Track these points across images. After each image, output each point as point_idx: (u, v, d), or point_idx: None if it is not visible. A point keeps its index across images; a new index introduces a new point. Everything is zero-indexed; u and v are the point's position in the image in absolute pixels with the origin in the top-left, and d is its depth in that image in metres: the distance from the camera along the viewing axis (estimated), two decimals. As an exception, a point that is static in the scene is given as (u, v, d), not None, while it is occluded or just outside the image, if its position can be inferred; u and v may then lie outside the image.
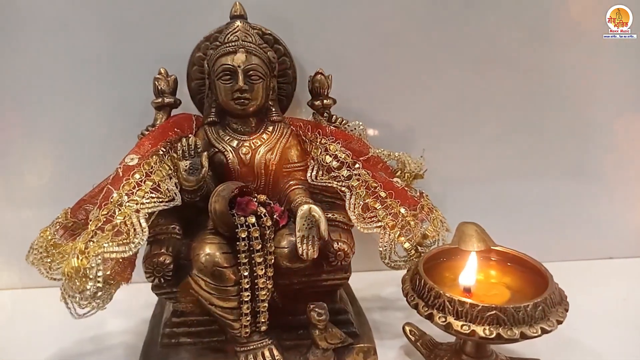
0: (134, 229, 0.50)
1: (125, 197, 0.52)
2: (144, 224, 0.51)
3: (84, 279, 0.46)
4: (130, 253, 0.49)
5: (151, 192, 0.52)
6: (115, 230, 0.50)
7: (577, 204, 0.85)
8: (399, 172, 0.68)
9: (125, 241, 0.49)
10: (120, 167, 0.54)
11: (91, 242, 0.49)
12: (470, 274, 0.55)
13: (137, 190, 0.53)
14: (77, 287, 0.45)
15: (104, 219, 0.50)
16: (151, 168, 0.54)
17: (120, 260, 0.53)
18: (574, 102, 0.78)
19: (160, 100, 0.63)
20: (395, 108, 0.76)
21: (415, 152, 0.71)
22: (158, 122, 0.63)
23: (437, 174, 0.72)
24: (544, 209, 0.85)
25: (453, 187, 0.81)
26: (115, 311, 0.58)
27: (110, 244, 0.48)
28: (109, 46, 0.71)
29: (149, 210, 0.52)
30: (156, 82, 0.64)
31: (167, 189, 0.54)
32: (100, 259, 0.47)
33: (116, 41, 0.71)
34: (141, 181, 0.53)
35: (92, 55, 0.71)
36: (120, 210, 0.51)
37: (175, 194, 0.55)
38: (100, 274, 0.47)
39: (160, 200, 0.53)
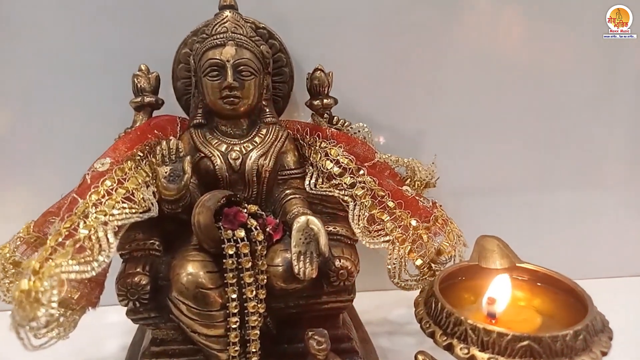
0: (99, 245, 0.43)
1: (92, 208, 0.45)
2: (111, 239, 0.44)
3: (35, 304, 0.39)
4: (93, 273, 0.42)
5: (123, 202, 0.47)
6: (78, 246, 0.43)
7: (603, 216, 0.80)
8: (409, 180, 0.64)
9: (88, 259, 0.42)
10: (88, 174, 0.49)
11: (49, 261, 0.41)
12: (501, 298, 0.48)
13: (107, 200, 0.47)
14: (26, 314, 0.38)
15: (66, 233, 0.44)
16: (125, 174, 0.49)
17: (87, 281, 0.46)
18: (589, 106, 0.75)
19: (139, 99, 0.59)
20: (403, 110, 0.73)
21: (425, 158, 0.67)
22: (137, 125, 0.58)
23: (449, 183, 0.69)
24: (567, 222, 0.80)
25: (467, 197, 0.77)
26: (90, 337, 0.52)
27: (70, 262, 0.41)
28: (85, 43, 0.67)
29: (119, 223, 0.46)
30: (135, 80, 0.59)
31: (143, 198, 0.49)
32: (56, 281, 0.40)
33: (94, 37, 0.67)
34: (112, 189, 0.48)
35: (68, 52, 0.67)
36: (85, 222, 0.44)
37: (152, 204, 0.49)
38: (54, 298, 0.39)
39: (134, 211, 0.47)
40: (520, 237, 0.56)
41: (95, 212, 0.46)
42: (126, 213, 0.47)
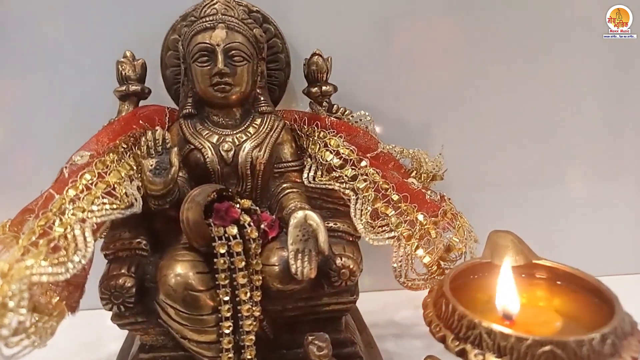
0: (75, 244, 0.40)
1: (69, 204, 0.42)
2: (89, 238, 0.41)
3: (1, 310, 0.35)
4: (67, 275, 0.39)
5: (103, 197, 0.44)
6: (52, 245, 0.39)
7: (622, 208, 0.77)
8: (414, 172, 0.61)
9: (62, 260, 0.38)
10: (66, 167, 0.46)
11: (21, 262, 0.38)
12: (512, 296, 0.44)
13: (86, 195, 0.44)
14: (-6, 320, 0.35)
15: (40, 232, 0.40)
16: (106, 167, 0.46)
17: (65, 284, 0.42)
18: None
19: (124, 88, 0.56)
20: (408, 99, 0.70)
21: (432, 149, 0.64)
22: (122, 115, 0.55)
23: (457, 175, 0.66)
24: (584, 215, 0.77)
25: (476, 190, 0.74)
26: (77, 343, 0.50)
27: (43, 263, 0.38)
28: (66, 27, 0.64)
29: (99, 220, 0.43)
30: (120, 67, 0.56)
31: (125, 193, 0.46)
32: (25, 284, 0.36)
33: (77, 24, 0.64)
34: (92, 184, 0.45)
35: (46, 38, 0.64)
36: (61, 220, 0.41)
37: (135, 200, 0.46)
38: (24, 303, 0.36)
39: (115, 207, 0.44)
40: (534, 232, 0.54)
41: (72, 209, 0.42)
42: (106, 209, 0.44)
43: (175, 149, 0.48)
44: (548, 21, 0.68)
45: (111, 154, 0.48)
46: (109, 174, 0.46)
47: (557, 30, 0.69)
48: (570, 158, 0.75)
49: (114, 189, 0.45)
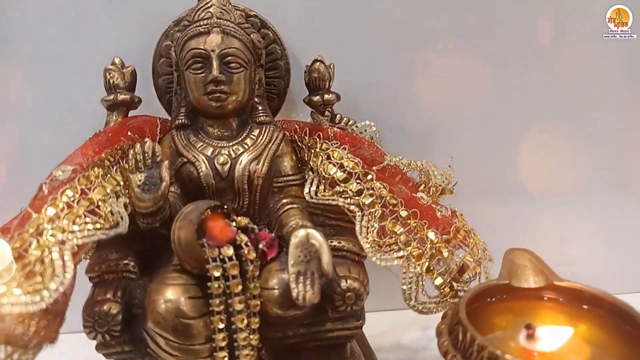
0: (53, 269, 0.36)
1: (48, 224, 0.39)
2: (68, 262, 0.38)
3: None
4: (42, 305, 0.35)
5: (86, 216, 0.41)
6: (28, 270, 0.35)
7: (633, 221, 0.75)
8: (423, 185, 0.59)
9: (37, 287, 0.35)
10: (46, 183, 0.43)
11: (-8, 290, 0.34)
12: (549, 334, 0.41)
13: (67, 214, 0.40)
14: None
15: (15, 255, 0.37)
16: (90, 183, 0.43)
17: (43, 312, 0.38)
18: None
19: (112, 97, 0.53)
20: (414, 108, 0.68)
21: (439, 160, 0.62)
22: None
23: (467, 189, 0.63)
24: (603, 230, 0.74)
25: (485, 205, 0.72)
26: None
27: (16, 291, 0.34)
28: (56, 35, 0.61)
29: (80, 241, 0.40)
30: (107, 75, 0.54)
31: (110, 211, 0.43)
32: (-6, 316, 0.32)
33: (65, 29, 0.61)
34: (74, 201, 0.41)
35: (32, 44, 0.61)
36: (39, 242, 0.37)
37: (121, 218, 0.43)
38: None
39: (98, 226, 0.41)
40: (546, 247, 0.51)
41: (51, 229, 0.39)
42: (89, 229, 0.40)
43: (166, 162, 0.46)
44: (554, 23, 0.67)
45: (96, 169, 0.45)
46: (93, 190, 0.43)
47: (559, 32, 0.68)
48: (585, 168, 0.73)
49: (98, 206, 0.42)
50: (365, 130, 0.58)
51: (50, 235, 0.38)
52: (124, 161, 0.48)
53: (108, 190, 0.43)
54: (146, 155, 0.45)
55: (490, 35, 0.66)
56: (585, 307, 0.45)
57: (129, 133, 0.49)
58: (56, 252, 0.37)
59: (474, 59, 0.67)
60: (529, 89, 0.69)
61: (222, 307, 0.44)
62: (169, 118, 0.56)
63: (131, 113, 0.55)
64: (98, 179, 0.44)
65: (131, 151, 0.46)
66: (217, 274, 0.43)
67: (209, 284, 0.43)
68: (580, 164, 0.72)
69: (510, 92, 0.68)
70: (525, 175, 0.72)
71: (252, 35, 0.52)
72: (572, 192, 0.73)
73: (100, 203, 0.42)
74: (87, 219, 0.41)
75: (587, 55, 0.68)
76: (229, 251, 0.44)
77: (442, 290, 0.50)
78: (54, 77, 0.62)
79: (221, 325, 0.44)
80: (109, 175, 0.45)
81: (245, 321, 0.44)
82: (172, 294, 0.43)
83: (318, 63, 0.56)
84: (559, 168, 0.72)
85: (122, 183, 0.46)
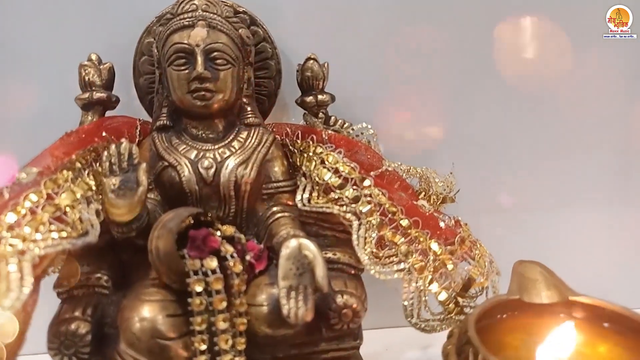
0: (8, 283, 0.33)
1: (7, 232, 0.36)
2: (27, 275, 0.34)
3: None
4: None
5: (50, 224, 0.37)
6: None
7: None
8: (423, 193, 0.57)
9: None
10: (7, 187, 0.39)
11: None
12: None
13: (30, 221, 0.37)
14: None
15: None
16: (58, 187, 0.40)
17: (-1, 332, 0.34)
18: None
19: (87, 95, 0.50)
20: (412, 112, 0.66)
21: (439, 168, 0.60)
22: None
23: (465, 197, 0.60)
24: (605, 241, 0.72)
25: (488, 215, 0.69)
26: None
27: None
28: (28, 30, 0.58)
29: (43, 252, 0.36)
30: (83, 71, 0.51)
31: (80, 218, 0.39)
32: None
33: (40, 24, 0.58)
34: (37, 206, 0.38)
35: (6, 42, 0.58)
36: None
37: (92, 226, 0.40)
38: None
39: (64, 235, 0.37)
40: (559, 261, 0.48)
41: (10, 237, 0.35)
42: (53, 238, 0.36)
43: (144, 165, 0.43)
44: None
45: (65, 171, 0.41)
46: (61, 195, 0.39)
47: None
48: (589, 177, 0.71)
49: (65, 213, 0.38)
50: (362, 133, 0.57)
51: (9, 245, 0.34)
52: (98, 164, 0.45)
53: (78, 196, 0.40)
54: (122, 157, 0.42)
55: (491, 35, 0.65)
56: (605, 325, 0.42)
57: (104, 134, 0.46)
58: (14, 264, 0.33)
59: (475, 59, 0.65)
60: (530, 91, 0.67)
61: (204, 326, 0.41)
62: (150, 120, 0.53)
63: (109, 113, 0.52)
64: (67, 182, 0.40)
65: (105, 152, 0.42)
66: (198, 288, 0.41)
67: (189, 300, 0.41)
68: (586, 171, 0.71)
69: (513, 96, 0.67)
70: (527, 183, 0.70)
71: (240, 31, 0.50)
72: (580, 200, 0.71)
73: (68, 209, 0.38)
74: (52, 227, 0.37)
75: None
76: (213, 263, 0.42)
77: (446, 307, 0.48)
78: (25, 75, 0.60)
79: (203, 347, 0.41)
80: (79, 179, 0.41)
81: (230, 342, 0.42)
82: (148, 312, 0.40)
83: (311, 61, 0.54)
84: (564, 178, 0.70)
85: (94, 188, 0.43)
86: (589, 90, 0.69)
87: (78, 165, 0.42)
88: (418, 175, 0.57)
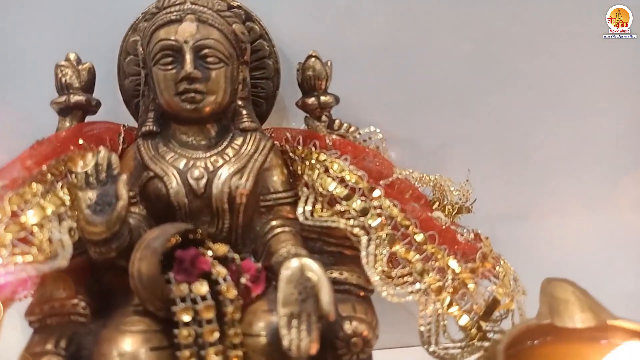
0: None
1: None
2: None
3: None
4: None
5: (14, 246, 0.34)
6: None
7: None
8: (437, 203, 0.55)
9: None
10: None
11: None
12: None
13: None
14: None
15: None
16: (25, 203, 0.37)
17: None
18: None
19: (63, 99, 0.47)
20: (421, 115, 0.63)
21: (452, 175, 0.57)
22: (61, 133, 0.47)
23: (480, 206, 0.58)
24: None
25: (504, 225, 0.66)
26: None
27: None
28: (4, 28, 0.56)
29: (3, 280, 0.34)
30: (59, 72, 0.47)
31: (49, 238, 0.35)
32: None
33: (16, 22, 0.56)
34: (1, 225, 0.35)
35: None
36: None
37: (63, 247, 0.36)
38: None
39: (30, 259, 0.34)
40: (586, 278, 0.44)
41: None
42: (17, 263, 0.34)
43: (124, 176, 0.39)
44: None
45: (34, 184, 0.38)
46: (27, 212, 0.36)
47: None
48: (606, 185, 0.68)
49: (32, 233, 0.35)
50: (370, 138, 0.55)
51: (-35, 271, 0.30)
52: (73, 175, 0.40)
53: (48, 212, 0.37)
54: (99, 167, 0.39)
55: (494, 37, 0.63)
56: (654, 354, 0.38)
57: (82, 141, 0.43)
58: (-31, 294, 0.29)
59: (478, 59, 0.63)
60: (533, 92, 0.65)
61: (193, 360, 0.36)
62: (137, 126, 0.51)
63: (89, 119, 0.49)
64: (36, 197, 0.37)
65: (80, 162, 0.39)
66: (186, 318, 0.37)
67: (176, 330, 0.38)
68: (594, 174, 0.68)
69: (530, 96, 0.64)
70: (545, 193, 0.67)
71: (234, 26, 0.47)
72: (591, 210, 0.68)
73: (35, 229, 0.35)
74: (16, 250, 0.34)
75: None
76: (203, 288, 0.38)
77: (468, 332, 0.44)
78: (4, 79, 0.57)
79: (192, 385, 0.37)
80: (50, 193, 0.38)
81: (224, 379, 0.38)
82: (129, 345, 0.37)
83: (313, 59, 0.52)
84: (584, 184, 0.67)
85: (67, 203, 0.39)
86: (589, 90, 0.67)
87: (50, 177, 0.39)
88: (431, 183, 0.55)
